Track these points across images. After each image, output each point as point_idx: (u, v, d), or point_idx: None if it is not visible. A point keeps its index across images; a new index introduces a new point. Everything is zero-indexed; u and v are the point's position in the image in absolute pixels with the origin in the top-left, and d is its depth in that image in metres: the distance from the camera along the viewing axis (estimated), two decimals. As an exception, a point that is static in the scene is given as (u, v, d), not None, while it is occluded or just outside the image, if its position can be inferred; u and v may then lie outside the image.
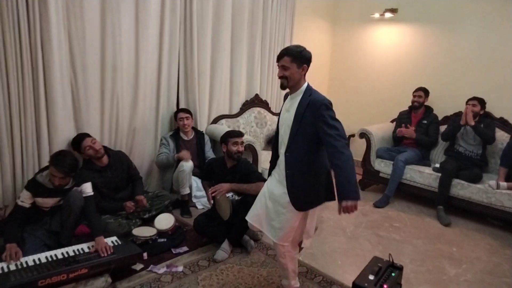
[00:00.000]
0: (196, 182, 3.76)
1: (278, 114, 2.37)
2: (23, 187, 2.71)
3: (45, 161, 2.91)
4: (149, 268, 2.63)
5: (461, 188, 3.75)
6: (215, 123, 4.30)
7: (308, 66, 2.14)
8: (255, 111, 4.67)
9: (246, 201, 2.81)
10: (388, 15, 4.91)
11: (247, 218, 2.36)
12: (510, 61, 4.07)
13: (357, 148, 5.12)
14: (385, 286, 2.05)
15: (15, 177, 2.92)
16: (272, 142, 2.39)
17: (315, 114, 2.04)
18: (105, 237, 2.56)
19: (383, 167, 4.34)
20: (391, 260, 2.29)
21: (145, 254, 2.63)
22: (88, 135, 3.11)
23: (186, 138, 3.83)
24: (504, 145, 3.81)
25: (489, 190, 3.58)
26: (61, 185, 2.57)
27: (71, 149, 3.05)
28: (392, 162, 4.19)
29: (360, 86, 5.44)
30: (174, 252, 2.88)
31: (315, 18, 5.36)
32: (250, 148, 3.86)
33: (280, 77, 2.14)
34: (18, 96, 2.81)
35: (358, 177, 4.61)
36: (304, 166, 2.11)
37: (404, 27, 4.89)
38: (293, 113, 2.11)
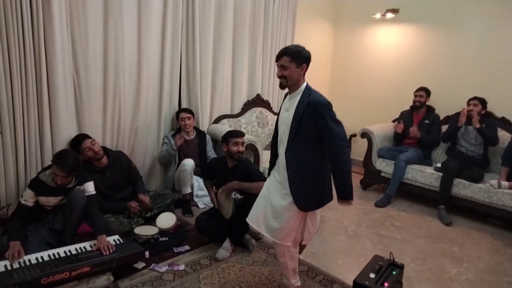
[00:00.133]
0: (197, 181, 3.78)
1: (278, 114, 2.37)
2: (26, 186, 2.73)
3: (48, 160, 2.92)
4: (151, 267, 2.64)
5: (463, 188, 3.75)
6: (217, 123, 4.32)
7: (308, 65, 2.14)
8: (257, 111, 4.68)
9: (248, 200, 2.82)
10: (389, 15, 4.92)
11: (247, 220, 2.36)
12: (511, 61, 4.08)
13: (359, 148, 5.13)
14: (386, 284, 2.06)
15: (18, 176, 2.94)
16: (271, 141, 2.39)
17: (316, 115, 2.04)
18: (107, 235, 2.57)
19: (385, 166, 4.34)
20: (392, 258, 2.30)
21: (147, 253, 2.64)
22: (87, 136, 3.11)
23: (187, 138, 3.84)
24: (506, 144, 3.81)
25: (490, 190, 3.58)
26: (63, 184, 2.58)
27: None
28: (393, 162, 4.20)
29: (362, 86, 5.45)
30: (175, 251, 2.89)
31: (317, 18, 5.37)
32: (252, 148, 3.88)
33: (279, 77, 2.15)
34: (21, 95, 2.83)
35: (360, 177, 4.68)
36: (304, 166, 2.11)
37: (406, 27, 4.90)
38: (292, 112, 2.11)
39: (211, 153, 3.97)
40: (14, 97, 2.79)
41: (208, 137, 4.03)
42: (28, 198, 2.55)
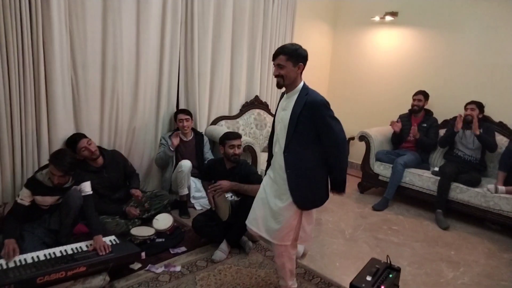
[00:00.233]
0: (194, 182, 3.77)
1: (274, 113, 2.37)
2: (22, 185, 2.72)
3: (45, 160, 2.91)
4: (147, 268, 2.63)
5: (460, 192, 3.76)
6: (215, 124, 4.31)
7: (305, 64, 2.13)
8: (255, 112, 4.68)
9: (245, 202, 2.82)
10: (388, 18, 4.94)
11: (247, 223, 2.36)
12: (510, 65, 4.09)
13: (357, 151, 5.13)
14: (382, 287, 2.06)
15: (14, 175, 2.93)
16: (269, 141, 2.39)
17: (314, 114, 2.04)
18: (104, 236, 2.56)
19: (382, 170, 4.35)
20: (389, 261, 2.30)
21: (143, 254, 2.63)
22: (84, 136, 3.09)
23: (185, 139, 3.83)
24: (503, 149, 3.82)
25: (487, 194, 3.59)
26: (60, 183, 2.57)
27: (66, 150, 3.05)
28: (391, 165, 4.20)
29: (360, 89, 5.46)
30: (172, 252, 2.88)
31: (316, 20, 5.38)
32: (249, 150, 3.87)
33: (276, 76, 2.14)
34: (19, 94, 2.82)
35: (357, 180, 4.69)
36: (303, 164, 2.11)
37: (404, 30, 4.91)
38: (290, 112, 2.10)
39: (208, 155, 3.96)
40: (12, 95, 2.78)
41: (205, 139, 4.02)
42: (25, 197, 2.54)
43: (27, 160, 2.95)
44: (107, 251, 2.41)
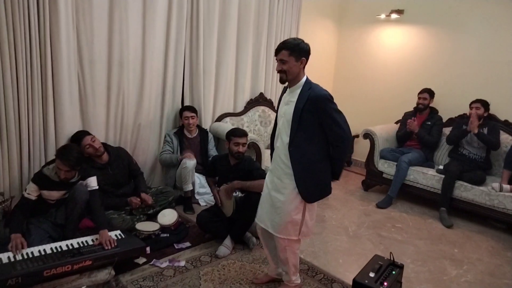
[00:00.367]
0: (199, 179, 3.79)
1: (277, 108, 2.37)
2: (29, 179, 2.75)
3: (52, 154, 2.95)
4: (151, 262, 2.66)
5: (464, 190, 3.75)
6: (220, 121, 4.33)
7: (307, 59, 2.13)
8: (260, 109, 4.69)
9: (249, 198, 2.84)
10: (394, 16, 4.92)
11: (256, 220, 2.38)
12: (516, 64, 4.07)
13: (361, 149, 5.13)
14: (385, 283, 2.07)
15: (22, 169, 2.96)
16: (271, 135, 2.39)
17: (318, 108, 2.05)
18: (109, 231, 2.59)
19: (387, 168, 4.35)
20: (392, 258, 2.31)
21: (148, 248, 2.65)
22: (88, 133, 3.11)
23: (190, 136, 3.85)
24: (508, 148, 3.80)
25: (492, 193, 3.58)
26: (66, 178, 2.59)
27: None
28: (395, 163, 4.19)
29: (365, 87, 5.45)
30: (176, 247, 2.91)
31: (321, 18, 5.38)
32: (254, 147, 3.88)
33: (278, 71, 2.15)
34: (26, 90, 2.85)
35: (362, 178, 4.70)
36: (309, 158, 2.12)
37: (410, 28, 4.90)
38: (293, 107, 2.10)
39: (212, 152, 3.98)
40: (20, 91, 2.81)
41: (210, 136, 4.04)
42: (31, 191, 2.57)
43: (34, 154, 2.98)
44: (113, 246, 2.44)
